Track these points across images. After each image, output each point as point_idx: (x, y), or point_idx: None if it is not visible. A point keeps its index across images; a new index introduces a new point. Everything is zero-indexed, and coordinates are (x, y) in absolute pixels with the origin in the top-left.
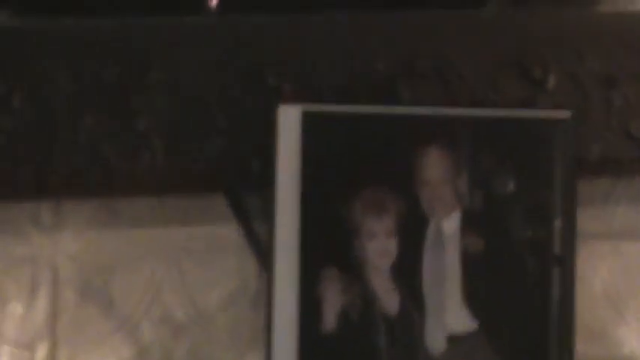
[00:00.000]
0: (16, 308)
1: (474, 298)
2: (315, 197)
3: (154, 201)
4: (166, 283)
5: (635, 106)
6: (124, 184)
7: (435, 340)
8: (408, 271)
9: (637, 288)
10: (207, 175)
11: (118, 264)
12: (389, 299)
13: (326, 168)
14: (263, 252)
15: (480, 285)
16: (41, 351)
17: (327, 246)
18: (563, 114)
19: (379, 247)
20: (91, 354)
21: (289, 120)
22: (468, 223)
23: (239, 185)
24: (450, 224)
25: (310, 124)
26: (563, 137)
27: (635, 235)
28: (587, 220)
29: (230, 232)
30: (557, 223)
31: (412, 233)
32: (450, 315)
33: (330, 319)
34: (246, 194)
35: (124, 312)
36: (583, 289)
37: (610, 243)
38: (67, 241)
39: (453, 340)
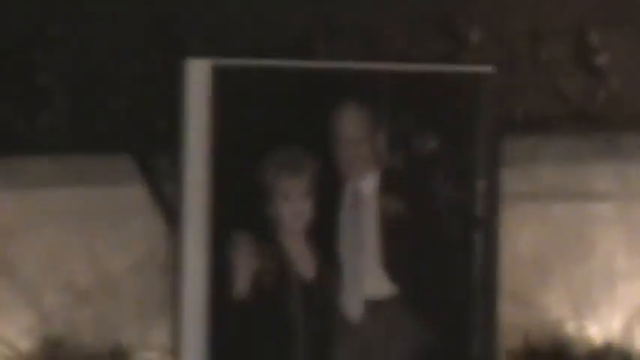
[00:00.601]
0: None
1: (392, 262)
2: (226, 157)
3: (55, 161)
4: (69, 248)
5: (562, 61)
6: (22, 143)
7: (352, 305)
8: (324, 234)
9: (564, 251)
10: (111, 135)
11: (17, 228)
12: (304, 263)
13: (237, 126)
14: (172, 215)
15: (399, 248)
16: None
17: (239, 208)
18: (487, 69)
19: (293, 208)
20: None
21: (198, 75)
22: (387, 184)
23: (145, 145)
24: (368, 185)
25: (220, 80)
26: (486, 94)
27: (563, 196)
28: (512, 180)
29: (137, 194)
30: (481, 184)
31: (328, 194)
32: (368, 279)
33: (242, 284)
34: (153, 154)
35: (25, 278)
36: (509, 253)
37: (537, 204)
38: None
39: (371, 305)
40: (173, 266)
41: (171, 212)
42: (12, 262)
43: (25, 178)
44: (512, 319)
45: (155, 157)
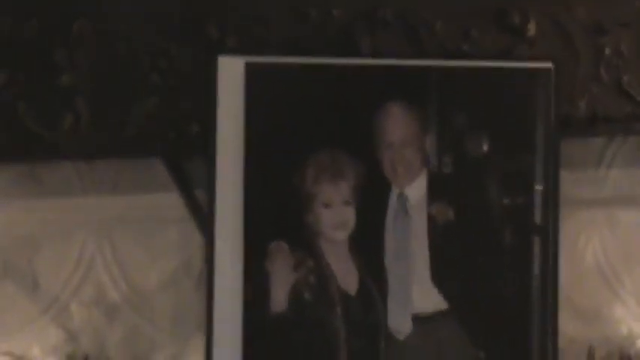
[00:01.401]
0: None
1: (443, 274)
2: (261, 161)
3: (82, 167)
4: (98, 260)
5: (627, 56)
6: (45, 148)
7: (399, 321)
8: (367, 245)
9: (634, 261)
10: (140, 138)
11: (42, 239)
12: (346, 276)
13: (273, 128)
14: (207, 223)
15: (449, 259)
16: None
17: (275, 217)
18: (545, 65)
19: (335, 217)
20: (14, 340)
21: (231, 74)
22: (436, 190)
23: (177, 149)
24: (416, 191)
25: (254, 78)
26: (545, 92)
27: (631, 202)
28: (575, 185)
29: (170, 201)
30: (538, 189)
31: (372, 201)
32: (417, 293)
33: (279, 298)
34: (186, 159)
35: (51, 293)
36: (572, 263)
37: (603, 211)
38: None
39: (420, 321)
40: (206, 279)
41: (206, 221)
42: (36, 276)
43: (49, 185)
44: (576, 335)
45: (188, 162)
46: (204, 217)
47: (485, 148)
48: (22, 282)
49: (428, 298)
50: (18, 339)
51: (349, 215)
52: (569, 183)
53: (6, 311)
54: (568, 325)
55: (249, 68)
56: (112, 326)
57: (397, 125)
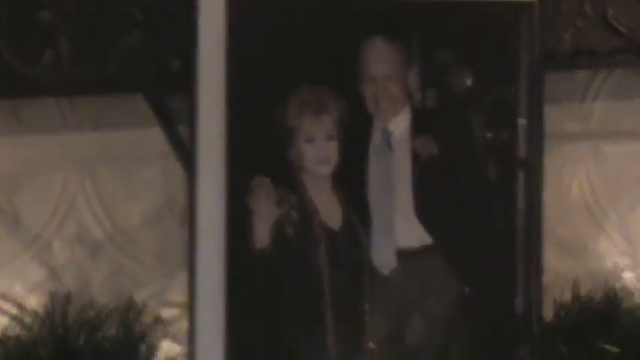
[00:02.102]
0: None
1: (427, 208)
2: (244, 96)
3: (63, 103)
4: (80, 197)
5: None
6: (26, 85)
7: (383, 256)
8: (351, 179)
9: (619, 195)
10: (120, 75)
11: (24, 176)
12: (330, 211)
13: (255, 63)
14: (190, 160)
15: (433, 194)
16: None
17: (258, 151)
18: None
19: (318, 152)
20: None
21: (212, 9)
22: (420, 124)
23: (160, 85)
24: (399, 125)
25: (236, 14)
26: (528, 26)
27: (616, 135)
28: (560, 119)
29: (153, 138)
30: (522, 123)
31: (355, 136)
32: (400, 228)
33: (262, 234)
34: (168, 95)
35: (33, 229)
36: (557, 197)
37: (588, 144)
38: None
39: (404, 255)
40: (189, 215)
41: (189, 157)
42: (17, 214)
43: (30, 122)
44: (561, 269)
45: (170, 98)
46: (186, 153)
47: (468, 82)
48: (3, 219)
49: (412, 233)
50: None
51: (332, 150)
52: (555, 117)
53: None
54: (553, 260)
55: (231, 3)
56: (95, 263)
57: (380, 60)
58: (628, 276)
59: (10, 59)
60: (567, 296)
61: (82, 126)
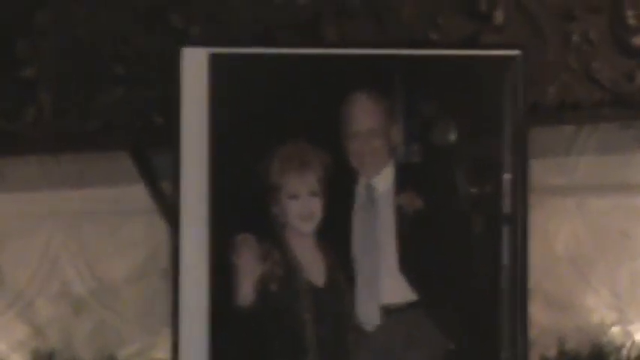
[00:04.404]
0: None
1: (411, 264)
2: (227, 153)
3: (46, 160)
4: (64, 254)
5: (596, 43)
6: (8, 141)
7: (368, 312)
8: (335, 236)
9: (605, 249)
10: (104, 131)
11: (6, 232)
12: (314, 268)
13: (238, 119)
14: (174, 216)
15: (418, 250)
16: None
17: (242, 208)
18: (513, 53)
19: (301, 208)
20: None
21: (195, 64)
22: (404, 180)
23: (143, 141)
24: (383, 181)
25: (218, 69)
26: (512, 80)
27: (601, 189)
28: (545, 173)
29: (136, 194)
30: (507, 178)
31: (339, 192)
32: (385, 284)
33: (246, 291)
34: (151, 151)
35: (16, 287)
36: (543, 252)
37: (573, 199)
38: None
39: (389, 312)
40: (172, 272)
41: (172, 213)
42: (1, 271)
43: (13, 179)
44: (547, 324)
45: (154, 154)
46: (170, 210)
47: (452, 136)
48: None
49: (396, 289)
50: None
51: (316, 206)
52: (540, 171)
53: None
54: (539, 315)
55: (214, 59)
56: (78, 321)
57: (363, 115)
58: (615, 331)
59: None
60: (553, 351)
61: (66, 182)
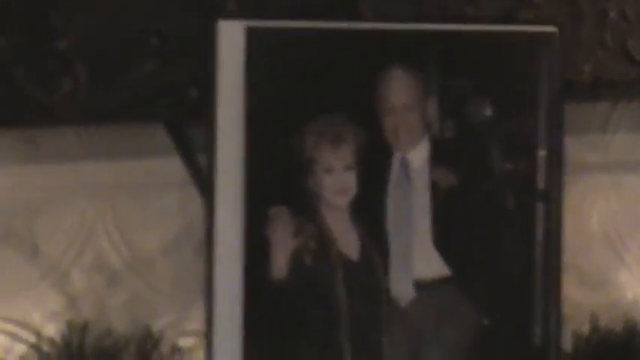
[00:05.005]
0: None
1: (445, 239)
2: (262, 126)
3: (81, 132)
4: (98, 225)
5: (632, 20)
6: (44, 113)
7: (401, 287)
8: (369, 210)
9: (639, 226)
10: (139, 103)
11: (42, 204)
12: (348, 242)
13: (273, 93)
14: (208, 189)
15: (451, 225)
16: None
17: (276, 182)
18: (549, 29)
19: (336, 182)
20: (13, 306)
21: (230, 38)
22: (439, 155)
23: (177, 114)
24: (418, 156)
25: (255, 42)
26: (548, 56)
27: (636, 167)
28: (580, 150)
29: (171, 166)
30: (542, 154)
31: (374, 166)
32: (418, 259)
33: (279, 264)
34: (187, 123)
35: (51, 258)
36: (577, 229)
37: (608, 176)
38: None
39: (422, 287)
40: (206, 244)
41: (207, 185)
42: (36, 242)
43: (48, 150)
44: (580, 301)
45: (188, 127)
46: (204, 182)
47: (487, 112)
48: (22, 248)
49: (430, 264)
50: (18, 305)
51: (350, 180)
52: (574, 148)
53: (6, 277)
54: (572, 291)
55: (250, 32)
56: (112, 292)
57: (398, 89)
58: None
59: (27, 87)
60: (586, 328)
61: (100, 154)
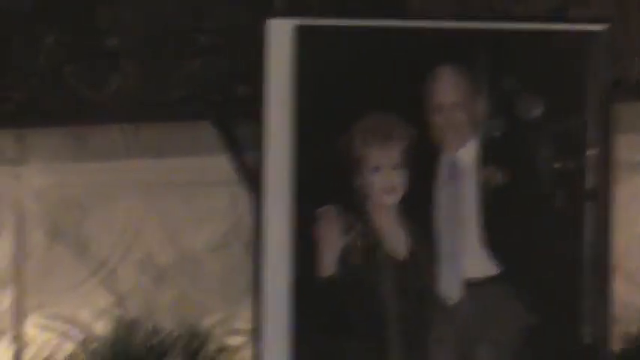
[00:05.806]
0: None
1: (494, 239)
2: (310, 125)
3: (128, 129)
4: (146, 223)
5: None
6: (92, 111)
7: (450, 287)
8: (418, 209)
9: None
10: (187, 101)
11: (90, 201)
12: (396, 241)
13: (322, 91)
14: (256, 187)
15: (500, 224)
16: (6, 300)
17: (324, 180)
18: (599, 27)
19: (384, 181)
20: (62, 303)
21: (280, 36)
22: (487, 154)
23: (224, 112)
24: (467, 154)
25: (304, 41)
26: (597, 54)
27: None
28: (628, 149)
29: (219, 164)
30: (591, 153)
31: (422, 165)
32: (467, 258)
33: (327, 262)
34: (235, 121)
35: (99, 255)
36: (625, 228)
37: None
38: (32, 176)
39: (471, 286)
40: (254, 243)
41: (255, 184)
42: (85, 239)
43: (96, 148)
44: (628, 300)
45: (237, 125)
46: (253, 181)
47: (537, 111)
48: (71, 244)
49: (478, 264)
50: (67, 302)
51: (399, 179)
52: (623, 147)
53: (55, 274)
54: (621, 291)
55: (299, 30)
56: (160, 290)
57: (447, 88)
58: None
59: (76, 85)
60: (635, 328)
61: (148, 152)
